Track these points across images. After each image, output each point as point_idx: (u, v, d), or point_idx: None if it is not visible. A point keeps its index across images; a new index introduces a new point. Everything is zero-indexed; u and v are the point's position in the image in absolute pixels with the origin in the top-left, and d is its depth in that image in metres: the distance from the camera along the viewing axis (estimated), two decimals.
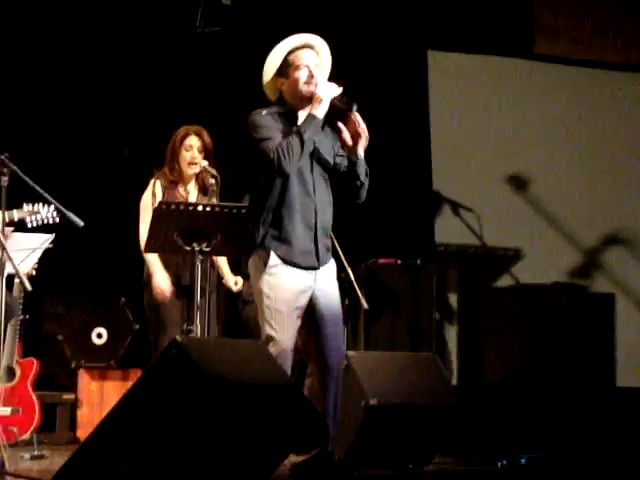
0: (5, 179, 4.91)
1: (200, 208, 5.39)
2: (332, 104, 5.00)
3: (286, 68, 5.07)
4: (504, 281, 8.22)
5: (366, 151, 5.16)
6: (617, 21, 8.62)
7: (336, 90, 5.02)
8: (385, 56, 8.06)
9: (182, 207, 5.45)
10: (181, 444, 3.70)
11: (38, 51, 8.18)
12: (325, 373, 5.05)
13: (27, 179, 4.99)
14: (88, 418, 7.08)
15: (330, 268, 5.15)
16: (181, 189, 6.41)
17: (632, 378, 8.24)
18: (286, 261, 4.97)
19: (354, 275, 6.54)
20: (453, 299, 8.05)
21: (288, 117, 5.07)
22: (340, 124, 5.07)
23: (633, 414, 7.59)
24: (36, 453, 5.98)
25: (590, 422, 7.78)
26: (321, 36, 5.20)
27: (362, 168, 5.16)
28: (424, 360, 6.33)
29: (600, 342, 8.25)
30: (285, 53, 5.08)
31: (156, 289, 6.19)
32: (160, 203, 5.61)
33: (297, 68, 5.05)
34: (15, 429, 6.20)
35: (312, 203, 5.07)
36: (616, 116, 8.44)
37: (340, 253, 6.30)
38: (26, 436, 6.37)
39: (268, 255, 4.96)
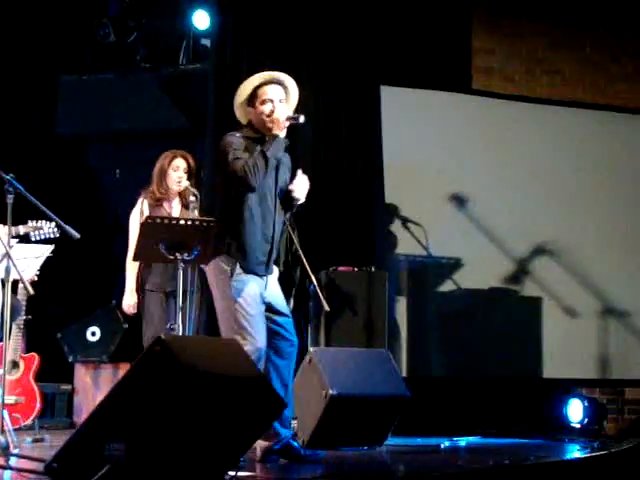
0: (11, 197, 4.89)
1: (182, 222, 5.38)
2: (287, 120, 5.06)
3: (254, 100, 5.08)
4: (447, 286, 8.23)
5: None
6: (544, 60, 8.70)
7: (287, 111, 5.07)
8: (342, 89, 8.08)
9: (166, 221, 5.44)
10: (164, 428, 3.69)
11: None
12: (278, 357, 5.08)
13: (31, 198, 4.98)
14: (83, 406, 7.04)
15: (275, 274, 5.19)
16: (166, 206, 6.40)
17: (555, 370, 8.29)
18: (247, 270, 4.98)
19: (317, 281, 6.56)
20: (403, 302, 8.05)
21: (257, 141, 5.07)
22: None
23: (556, 401, 7.63)
24: (37, 436, 5.94)
25: (520, 407, 7.83)
26: (285, 72, 5.21)
27: (295, 208, 5.22)
28: (378, 355, 6.34)
29: (529, 339, 8.29)
30: (254, 86, 5.09)
31: (125, 307, 6.37)
32: (147, 217, 5.60)
33: (263, 102, 5.07)
34: (19, 415, 6.16)
35: (272, 219, 5.08)
36: (543, 143, 8.48)
37: (305, 262, 6.30)
38: (28, 422, 6.33)
39: (234, 264, 4.95)
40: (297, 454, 5.02)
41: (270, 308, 5.10)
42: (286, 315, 5.15)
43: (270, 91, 5.08)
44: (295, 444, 5.06)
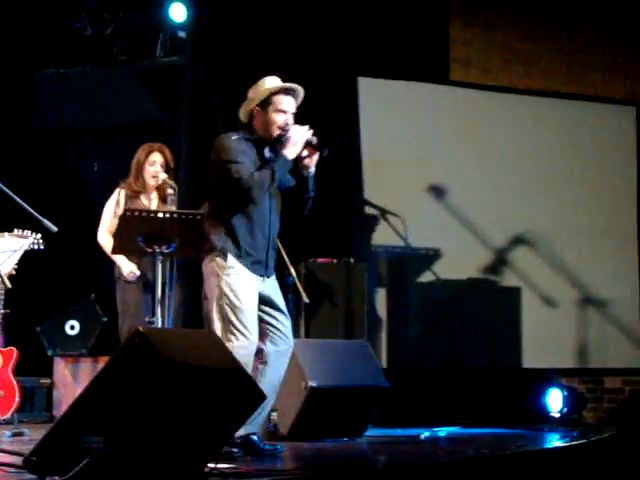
0: None
1: (160, 215, 5.37)
2: (305, 145, 4.97)
3: (267, 104, 5.00)
4: (426, 277, 8.26)
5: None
6: (520, 51, 8.72)
7: (308, 133, 4.97)
8: (321, 81, 8.07)
9: (144, 214, 5.43)
10: (143, 420, 3.68)
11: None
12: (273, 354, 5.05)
13: (6, 190, 4.94)
14: (63, 399, 7.01)
15: (273, 276, 5.14)
16: (143, 198, 6.39)
17: (535, 360, 8.32)
18: (242, 267, 4.93)
19: (296, 273, 6.56)
20: (382, 293, 8.07)
21: (255, 143, 5.01)
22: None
23: (535, 390, 7.67)
24: (16, 430, 5.91)
25: (499, 398, 7.86)
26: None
27: (312, 183, 5.10)
28: (357, 346, 6.35)
29: (508, 329, 8.33)
30: (272, 91, 5.01)
31: (127, 273, 6.25)
32: (125, 210, 5.59)
33: (278, 111, 4.99)
34: None
35: (268, 217, 5.04)
36: (520, 133, 8.52)
37: (284, 253, 6.31)
38: (7, 416, 6.30)
39: (227, 260, 4.90)
40: (257, 448, 4.90)
41: (270, 304, 5.06)
42: (284, 313, 5.12)
43: (287, 102, 5.02)
44: (254, 438, 4.92)
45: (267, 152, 5.05)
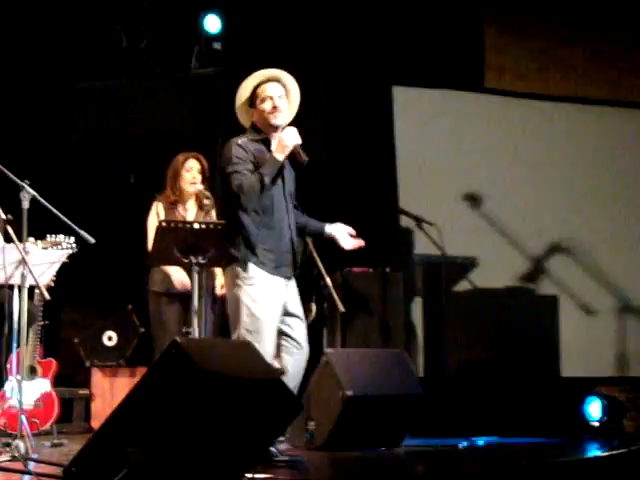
0: (26, 203, 4.91)
1: (196, 226, 5.39)
2: (292, 152, 5.05)
3: (254, 100, 5.11)
4: (462, 286, 8.23)
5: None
6: (556, 57, 8.67)
7: (298, 139, 5.03)
8: (356, 90, 8.08)
9: (180, 225, 5.46)
10: (181, 431, 3.70)
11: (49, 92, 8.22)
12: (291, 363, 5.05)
13: (46, 204, 5.00)
14: (100, 410, 7.04)
15: (294, 280, 5.17)
16: (180, 208, 6.42)
17: (574, 369, 8.27)
18: (266, 273, 4.96)
19: (332, 282, 6.56)
20: (418, 302, 8.05)
21: (262, 142, 5.10)
22: None
23: (574, 399, 7.62)
24: (56, 441, 5.96)
25: (537, 407, 7.81)
26: (298, 75, 5.21)
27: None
28: (393, 355, 6.34)
29: (546, 337, 8.28)
30: (252, 87, 5.11)
31: (178, 285, 6.27)
32: (161, 221, 5.61)
33: (263, 100, 5.09)
34: (37, 421, 6.18)
35: (287, 221, 5.08)
36: (557, 141, 8.48)
37: (319, 263, 6.31)
38: (47, 427, 6.35)
39: (246, 267, 4.95)
40: (275, 459, 4.89)
41: (286, 312, 5.09)
42: (299, 318, 5.13)
43: (269, 88, 5.10)
44: (272, 449, 4.90)
45: (274, 146, 5.10)
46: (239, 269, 4.97)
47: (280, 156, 5.01)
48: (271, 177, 4.97)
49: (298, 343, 5.09)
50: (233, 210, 5.05)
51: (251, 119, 5.18)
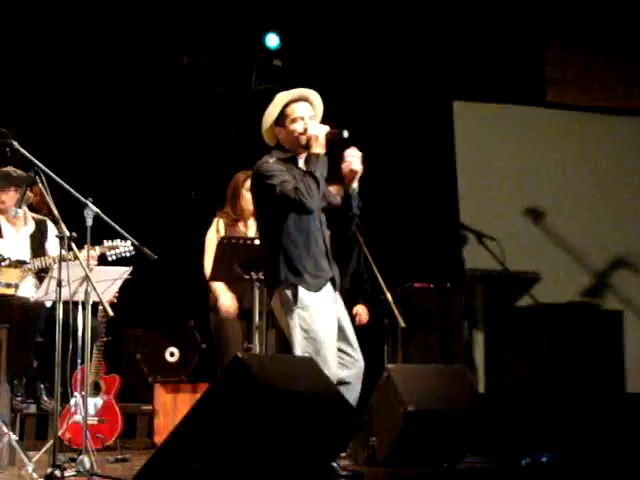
0: (90, 220, 4.98)
1: (257, 242, 5.43)
2: (328, 140, 4.88)
3: (283, 119, 4.96)
4: (524, 301, 8.18)
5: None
6: (619, 70, 8.59)
7: (325, 127, 4.90)
8: (416, 106, 8.10)
9: (241, 241, 5.50)
10: (243, 446, 3.73)
11: (118, 112, 8.35)
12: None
13: (109, 220, 5.07)
14: (163, 426, 7.08)
15: (340, 298, 5.03)
16: (241, 225, 6.45)
17: (639, 385, 8.16)
18: (314, 292, 4.84)
19: (392, 297, 6.56)
20: (480, 317, 8.02)
21: (289, 161, 4.96)
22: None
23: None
24: (119, 456, 6.02)
25: (603, 424, 7.71)
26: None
27: (355, 201, 4.99)
28: (455, 371, 6.31)
29: (610, 353, 8.17)
30: (282, 105, 4.97)
31: (222, 308, 6.23)
32: (222, 238, 5.67)
33: (294, 121, 4.94)
34: (102, 436, 6.25)
35: (321, 234, 4.96)
36: (618, 155, 8.40)
37: (379, 278, 6.32)
38: (111, 442, 6.42)
39: (296, 290, 4.82)
40: (337, 474, 4.85)
41: (339, 328, 5.02)
42: (352, 336, 5.02)
43: (300, 109, 4.96)
44: (334, 465, 4.84)
45: (303, 166, 4.97)
46: (287, 292, 4.84)
47: (319, 149, 4.86)
48: (321, 173, 4.83)
49: (353, 358, 4.99)
50: (271, 229, 4.94)
51: (276, 138, 5.04)
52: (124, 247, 5.94)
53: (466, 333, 7.39)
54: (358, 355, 5.01)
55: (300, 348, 4.79)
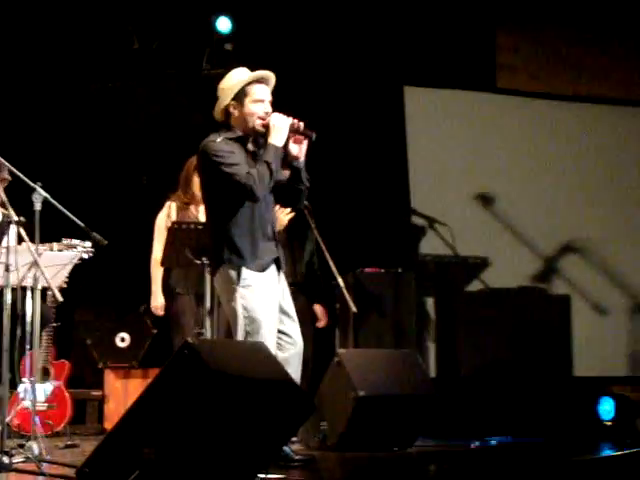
0: (38, 205, 4.93)
1: None
2: (290, 132, 4.82)
3: (242, 96, 4.85)
4: (474, 286, 8.24)
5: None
6: (568, 57, 8.66)
7: (289, 120, 4.82)
8: (367, 91, 8.09)
9: (192, 226, 5.47)
10: (194, 432, 3.72)
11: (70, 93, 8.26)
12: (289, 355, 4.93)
13: (58, 205, 5.02)
14: (114, 411, 7.06)
15: (283, 278, 4.99)
16: (193, 209, 6.42)
17: (586, 368, 8.26)
18: (257, 273, 4.79)
19: (343, 283, 6.56)
20: (430, 302, 8.06)
21: (238, 141, 4.86)
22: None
23: (587, 399, 7.61)
24: (69, 442, 5.98)
25: (550, 407, 7.80)
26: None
27: (304, 173, 4.92)
28: (406, 356, 6.33)
29: (558, 337, 8.28)
30: (245, 83, 4.87)
31: (153, 309, 6.41)
32: (173, 223, 5.63)
33: (254, 101, 4.85)
34: (51, 422, 6.21)
35: (268, 216, 4.91)
36: (569, 140, 8.48)
37: (331, 263, 6.32)
38: (60, 428, 6.38)
39: (239, 270, 4.76)
40: (287, 459, 4.84)
41: (279, 309, 4.98)
42: (292, 317, 4.98)
43: (262, 91, 4.87)
44: (285, 449, 4.82)
45: (251, 146, 4.90)
46: (230, 271, 4.78)
47: (279, 142, 4.77)
48: (277, 166, 4.76)
49: (292, 338, 4.94)
50: (216, 208, 4.86)
51: (226, 114, 4.91)
52: (82, 248, 5.86)
53: (417, 318, 7.41)
54: (298, 336, 4.96)
55: (240, 326, 4.75)
